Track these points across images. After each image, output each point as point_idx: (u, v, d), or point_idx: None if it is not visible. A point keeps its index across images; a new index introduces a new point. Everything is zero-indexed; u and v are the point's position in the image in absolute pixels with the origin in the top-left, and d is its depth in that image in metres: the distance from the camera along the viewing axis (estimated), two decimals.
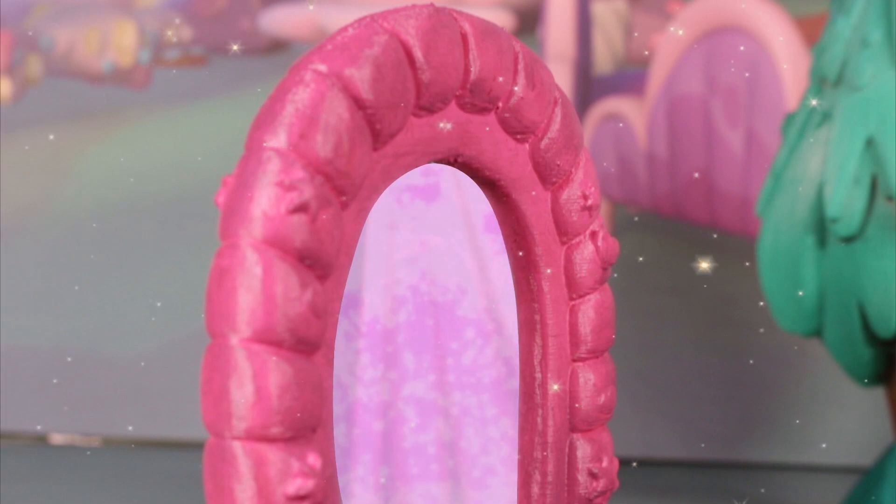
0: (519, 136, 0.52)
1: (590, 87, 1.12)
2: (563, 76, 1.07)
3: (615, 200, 1.15)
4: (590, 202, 0.55)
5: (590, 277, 0.55)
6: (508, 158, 0.52)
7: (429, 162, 0.49)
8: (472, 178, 0.53)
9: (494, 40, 0.50)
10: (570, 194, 0.55)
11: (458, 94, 0.49)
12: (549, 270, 0.55)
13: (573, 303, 0.55)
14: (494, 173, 0.52)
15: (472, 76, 0.49)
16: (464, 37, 0.48)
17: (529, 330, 0.55)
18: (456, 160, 0.51)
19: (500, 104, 0.51)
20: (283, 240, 0.40)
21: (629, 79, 1.12)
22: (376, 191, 0.46)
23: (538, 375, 0.55)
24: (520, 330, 0.56)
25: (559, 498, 0.55)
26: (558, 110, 0.53)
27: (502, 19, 1.12)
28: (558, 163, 0.54)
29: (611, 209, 1.14)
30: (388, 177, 0.47)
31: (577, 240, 0.55)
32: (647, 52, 1.09)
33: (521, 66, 0.51)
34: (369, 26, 0.45)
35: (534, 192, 0.54)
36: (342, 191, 0.43)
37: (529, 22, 1.12)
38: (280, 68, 0.59)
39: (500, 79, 0.50)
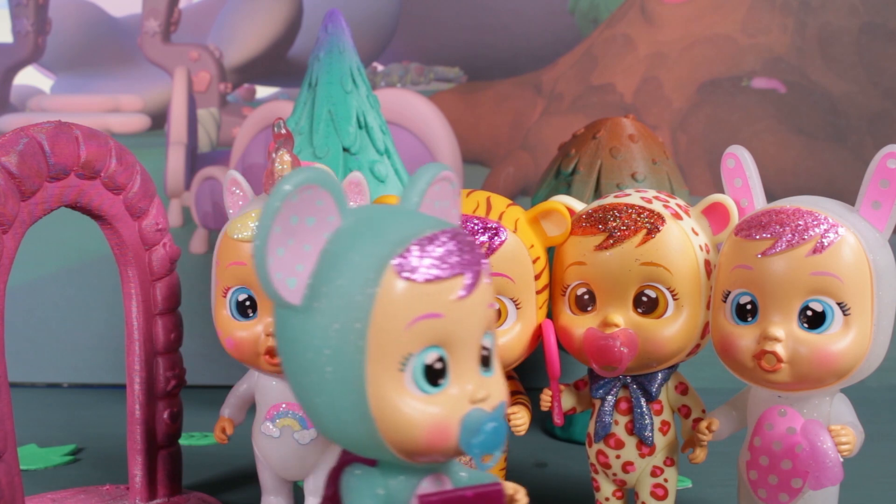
0: (115, 192, 0.66)
1: (195, 161, 1.20)
2: (179, 154, 1.19)
3: (210, 228, 1.20)
4: (160, 227, 0.69)
5: (162, 268, 0.70)
6: (109, 204, 0.66)
7: (59, 207, 0.63)
8: (88, 216, 0.66)
9: (96, 137, 0.64)
10: (149, 223, 0.68)
11: (74, 169, 0.63)
12: (135, 267, 0.68)
13: (153, 281, 0.69)
14: (101, 213, 0.66)
15: (82, 159, 0.63)
16: (76, 137, 0.63)
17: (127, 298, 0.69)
18: (77, 206, 0.64)
19: (102, 174, 0.65)
20: None
21: (219, 155, 1.20)
22: (25, 224, 0.60)
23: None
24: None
25: None
26: (138, 177, 0.67)
27: (143, 120, 1.20)
28: (140, 206, 0.68)
29: (207, 234, 1.19)
30: (33, 216, 0.60)
31: (155, 247, 0.69)
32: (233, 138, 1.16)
33: (113, 153, 0.65)
34: (16, 133, 0.60)
35: (127, 222, 0.68)
36: (2, 223, 0.58)
37: (159, 121, 1.20)
38: None
39: (100, 159, 0.64)
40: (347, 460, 0.46)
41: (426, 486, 0.45)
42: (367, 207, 0.45)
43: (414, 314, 0.41)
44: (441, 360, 0.42)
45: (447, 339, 0.42)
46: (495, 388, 0.44)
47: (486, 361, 0.44)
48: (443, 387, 0.42)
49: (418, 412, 0.41)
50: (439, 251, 0.42)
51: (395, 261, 0.41)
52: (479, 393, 0.43)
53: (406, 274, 0.41)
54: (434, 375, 0.42)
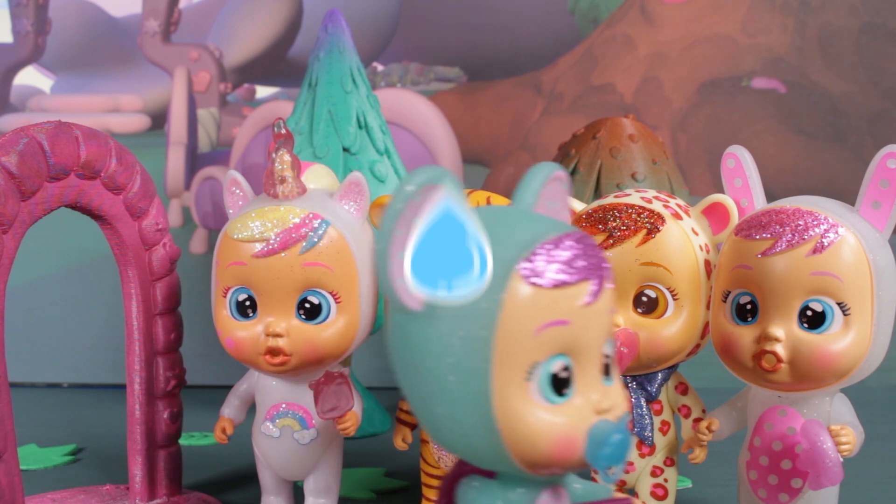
0: (115, 192, 0.66)
1: (195, 161, 1.20)
2: (179, 154, 1.19)
3: (210, 228, 1.20)
4: (160, 227, 0.69)
5: (162, 268, 0.70)
6: (109, 204, 0.66)
7: (59, 207, 0.63)
8: (88, 216, 0.66)
9: (96, 137, 0.64)
10: (149, 223, 0.69)
11: (74, 169, 0.63)
12: (135, 267, 0.69)
13: (153, 281, 0.69)
14: (101, 213, 0.66)
15: (82, 159, 0.63)
16: (76, 137, 0.63)
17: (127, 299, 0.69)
18: (77, 206, 0.65)
19: (102, 174, 0.65)
20: None
21: (219, 155, 1.21)
22: (25, 224, 0.60)
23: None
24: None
25: None
26: (138, 177, 0.68)
27: (143, 120, 1.21)
28: (140, 206, 0.68)
29: (207, 234, 1.19)
30: (33, 216, 0.61)
31: (155, 247, 0.69)
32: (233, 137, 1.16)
33: (113, 153, 0.65)
34: (16, 133, 0.60)
35: (127, 222, 0.68)
36: (2, 223, 0.58)
37: (159, 121, 1.20)
38: None
39: (100, 159, 0.64)
40: (463, 471, 0.44)
41: (545, 499, 0.43)
42: (486, 208, 0.44)
43: (541, 321, 0.39)
44: (566, 368, 0.40)
45: (573, 347, 0.40)
46: (618, 397, 0.42)
47: (606, 370, 0.43)
48: (568, 396, 0.41)
49: (545, 423, 0.40)
50: (565, 255, 0.40)
51: (522, 265, 0.39)
52: (604, 403, 0.41)
53: (533, 279, 0.39)
54: (559, 385, 0.40)
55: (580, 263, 0.40)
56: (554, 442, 0.40)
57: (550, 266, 0.40)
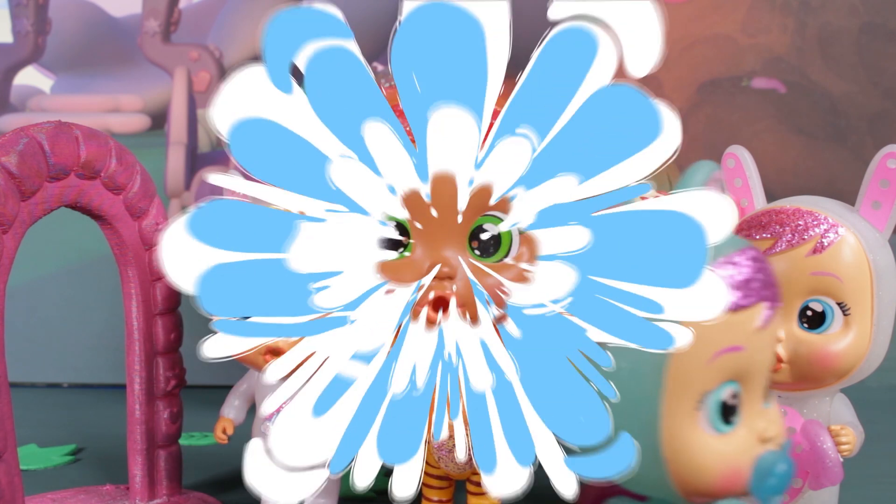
0: (115, 192, 0.66)
1: (195, 161, 1.20)
2: (179, 154, 1.19)
3: None
4: (160, 227, 0.68)
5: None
6: (109, 204, 0.66)
7: (59, 207, 0.62)
8: (88, 216, 0.66)
9: (96, 137, 0.64)
10: (149, 223, 0.68)
11: (74, 169, 0.62)
12: (135, 267, 0.68)
13: (153, 281, 0.69)
14: (101, 213, 0.66)
15: (82, 159, 0.63)
16: (76, 137, 0.62)
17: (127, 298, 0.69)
18: (77, 206, 0.64)
19: (102, 174, 0.64)
20: None
21: (219, 155, 1.20)
22: (25, 224, 0.60)
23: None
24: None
25: None
26: (138, 177, 0.67)
27: (143, 120, 1.21)
28: (140, 205, 0.67)
29: None
30: (33, 216, 0.60)
31: (155, 247, 0.68)
32: None
33: (113, 153, 0.65)
34: (16, 133, 0.59)
35: (127, 222, 0.67)
36: (2, 223, 0.57)
37: (159, 121, 1.20)
38: None
39: (100, 159, 0.64)
40: (612, 491, 0.42)
41: None
42: None
43: (717, 347, 0.37)
44: (735, 395, 0.38)
45: (743, 374, 0.38)
46: (780, 423, 0.40)
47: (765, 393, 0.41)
48: (734, 425, 0.39)
49: (714, 455, 0.38)
50: (742, 275, 0.38)
51: None
52: (769, 430, 0.39)
53: None
54: (727, 412, 0.38)
55: (756, 285, 0.38)
56: (721, 474, 0.38)
57: (729, 287, 0.37)
